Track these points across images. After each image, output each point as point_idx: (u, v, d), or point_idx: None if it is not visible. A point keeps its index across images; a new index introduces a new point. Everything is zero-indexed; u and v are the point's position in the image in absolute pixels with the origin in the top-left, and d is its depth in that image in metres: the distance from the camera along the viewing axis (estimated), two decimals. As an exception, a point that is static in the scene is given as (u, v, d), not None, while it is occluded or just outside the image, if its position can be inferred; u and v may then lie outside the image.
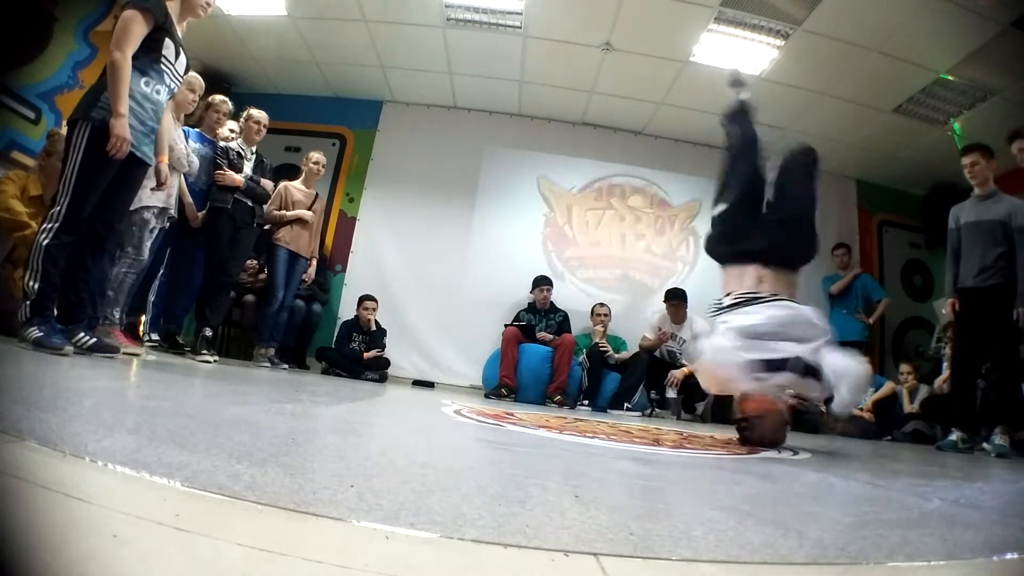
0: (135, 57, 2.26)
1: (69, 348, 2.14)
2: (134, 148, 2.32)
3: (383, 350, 4.90)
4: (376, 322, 4.96)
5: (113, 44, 2.22)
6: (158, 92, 2.42)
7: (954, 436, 3.26)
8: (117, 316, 3.00)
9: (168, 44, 2.39)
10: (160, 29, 2.34)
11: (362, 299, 4.99)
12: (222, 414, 1.33)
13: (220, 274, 3.75)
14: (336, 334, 5.01)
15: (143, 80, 2.34)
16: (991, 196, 3.37)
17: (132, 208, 2.93)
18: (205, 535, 0.52)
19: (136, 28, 2.24)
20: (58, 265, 2.23)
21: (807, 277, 5.76)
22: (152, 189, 2.84)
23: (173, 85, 2.51)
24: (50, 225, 2.21)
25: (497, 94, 5.60)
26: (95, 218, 2.34)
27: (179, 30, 2.49)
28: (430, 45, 4.93)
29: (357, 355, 4.74)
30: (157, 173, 2.74)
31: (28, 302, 2.17)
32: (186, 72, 2.59)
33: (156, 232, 3.24)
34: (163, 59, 2.39)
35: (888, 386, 4.63)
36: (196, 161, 3.46)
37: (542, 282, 5.11)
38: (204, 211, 3.70)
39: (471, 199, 5.82)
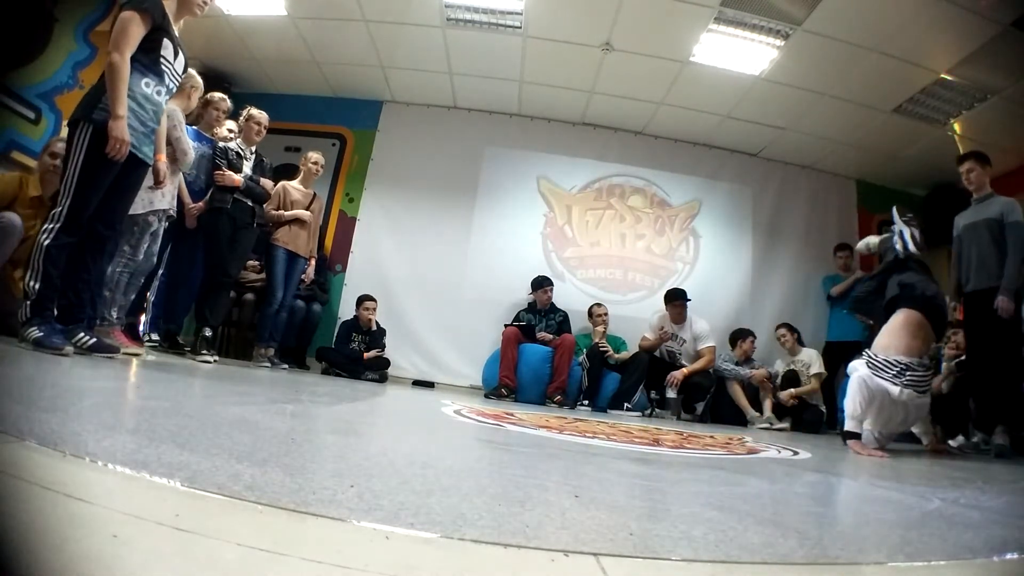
0: (134, 58, 2.25)
1: (69, 348, 2.14)
2: (135, 149, 2.31)
3: (383, 350, 4.90)
4: (376, 322, 4.96)
5: (111, 45, 2.21)
6: (158, 93, 2.42)
7: (976, 438, 3.30)
8: (115, 316, 2.99)
9: (167, 44, 2.37)
10: (158, 29, 2.32)
11: (362, 299, 4.98)
12: (222, 414, 1.33)
13: (220, 274, 3.75)
14: (336, 334, 5.01)
15: (143, 81, 2.33)
16: (987, 198, 3.45)
17: (141, 211, 2.94)
18: (205, 535, 0.52)
19: (134, 29, 2.23)
20: (58, 265, 2.22)
21: (808, 276, 5.81)
22: (149, 188, 2.83)
23: (172, 85, 2.51)
24: (51, 226, 2.21)
25: (497, 94, 5.60)
26: (96, 219, 2.34)
27: (176, 29, 2.48)
28: (430, 45, 4.92)
29: (357, 355, 4.74)
30: (155, 172, 2.73)
31: (28, 302, 2.17)
32: (184, 71, 2.58)
33: (158, 235, 3.23)
34: (162, 59, 2.38)
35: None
36: (193, 153, 3.39)
37: (544, 283, 5.11)
38: (201, 202, 3.69)
39: (471, 199, 5.81)
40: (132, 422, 1.02)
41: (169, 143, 3.12)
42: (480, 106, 5.86)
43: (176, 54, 2.45)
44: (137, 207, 2.90)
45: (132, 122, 2.28)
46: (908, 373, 2.53)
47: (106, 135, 2.18)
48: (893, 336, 2.70)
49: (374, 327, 4.91)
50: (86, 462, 0.68)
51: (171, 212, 3.30)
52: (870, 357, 2.65)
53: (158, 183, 2.78)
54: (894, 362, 2.57)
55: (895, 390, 2.51)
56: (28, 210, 3.06)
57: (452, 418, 2.29)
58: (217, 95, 3.90)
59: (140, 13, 2.25)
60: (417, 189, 5.76)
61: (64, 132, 2.47)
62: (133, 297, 3.21)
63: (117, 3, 4.43)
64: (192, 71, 3.30)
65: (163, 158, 2.73)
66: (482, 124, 5.91)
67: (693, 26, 4.30)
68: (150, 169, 2.61)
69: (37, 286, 2.17)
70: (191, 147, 3.25)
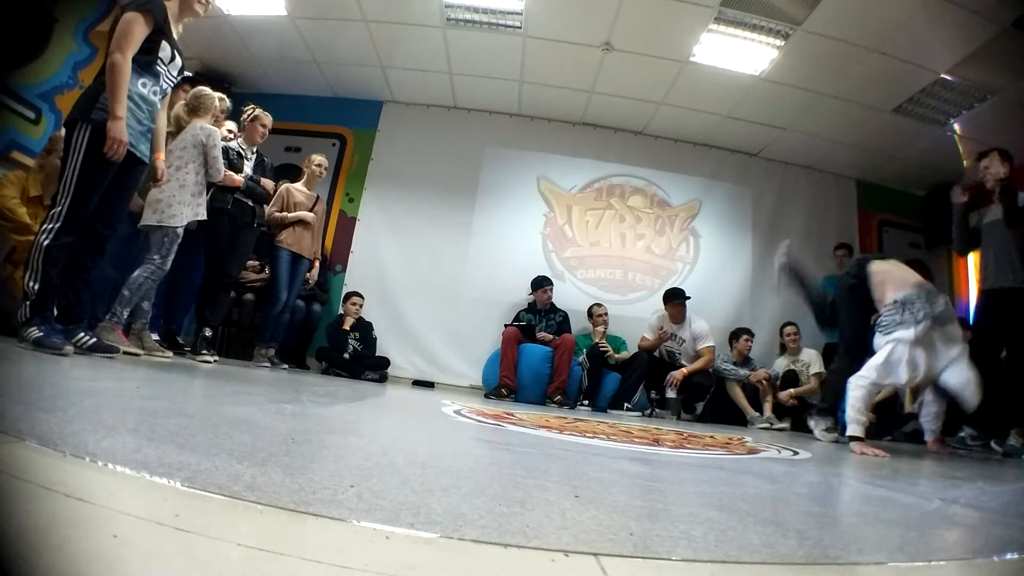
0: (132, 58, 2.28)
1: (69, 348, 2.14)
2: (132, 148, 2.34)
3: (374, 344, 4.96)
4: (361, 317, 4.99)
5: (113, 46, 2.23)
6: (154, 93, 2.45)
7: (964, 432, 3.27)
8: (125, 316, 3.01)
9: (164, 46, 2.41)
10: (158, 31, 2.36)
11: (349, 295, 5.04)
12: (222, 414, 1.33)
13: (220, 274, 3.75)
14: (328, 338, 4.94)
15: (140, 81, 2.36)
16: None
17: (173, 224, 3.02)
18: (205, 535, 0.52)
19: (137, 30, 2.26)
20: (58, 266, 2.23)
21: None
22: (150, 183, 2.86)
23: (167, 86, 2.55)
24: (51, 226, 2.21)
25: (497, 94, 5.60)
26: (96, 219, 2.35)
27: (176, 30, 2.52)
28: (430, 45, 4.93)
29: (345, 336, 4.79)
30: (153, 171, 2.75)
31: (28, 302, 2.18)
32: (180, 74, 2.61)
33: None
34: (159, 60, 2.42)
35: (888, 388, 4.62)
36: (223, 173, 3.44)
37: (543, 283, 5.11)
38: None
39: (471, 199, 5.82)
40: (132, 422, 1.02)
41: (206, 159, 3.21)
42: (480, 106, 5.86)
43: (173, 56, 2.48)
44: (186, 217, 3.07)
45: (129, 121, 2.30)
46: (914, 305, 2.39)
47: (104, 135, 2.19)
48: (885, 286, 2.61)
49: (349, 331, 4.89)
50: (86, 462, 0.68)
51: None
52: (875, 323, 2.54)
53: (155, 180, 2.80)
54: (892, 304, 2.45)
55: (909, 333, 2.35)
56: (29, 210, 3.08)
57: (452, 418, 2.29)
58: (216, 95, 3.89)
59: (143, 14, 2.28)
60: (417, 189, 5.76)
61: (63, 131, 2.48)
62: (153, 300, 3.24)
63: (118, 3, 4.46)
64: (220, 94, 3.40)
65: (162, 156, 2.75)
66: (482, 124, 5.92)
67: (693, 26, 4.31)
68: (155, 170, 2.66)
69: (36, 286, 2.18)
70: (223, 166, 3.33)
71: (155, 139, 2.65)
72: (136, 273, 2.97)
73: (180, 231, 3.10)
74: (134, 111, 2.34)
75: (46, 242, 2.20)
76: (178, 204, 3.04)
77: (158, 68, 2.42)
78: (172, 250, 3.09)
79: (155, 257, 3.01)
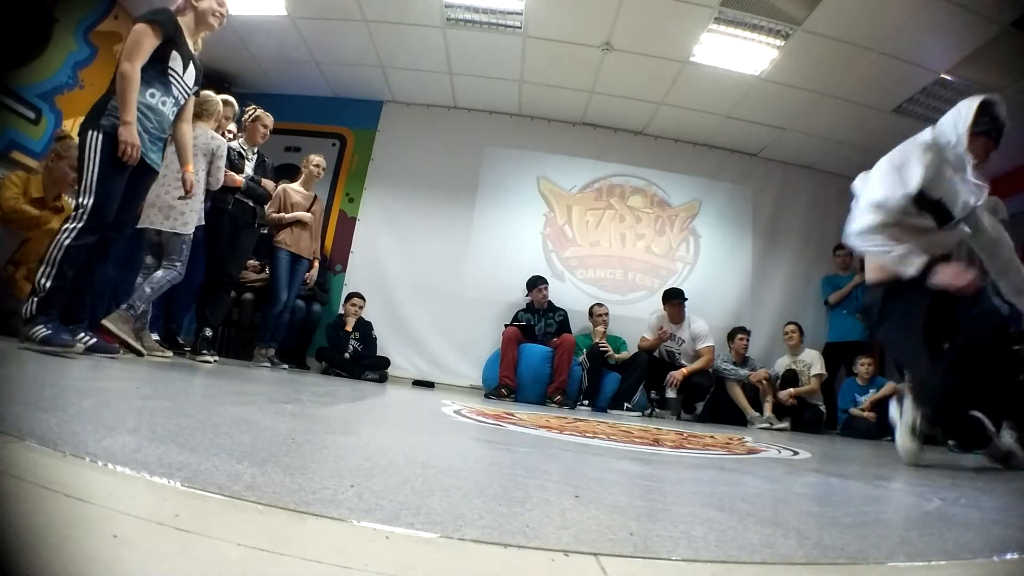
0: (142, 69, 2.33)
1: (79, 345, 2.16)
2: (143, 153, 2.38)
3: (374, 345, 4.96)
4: (360, 317, 5.00)
5: (123, 56, 2.31)
6: (163, 103, 2.49)
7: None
8: (140, 310, 3.02)
9: (175, 57, 2.45)
10: (169, 42, 2.41)
11: (350, 296, 5.05)
12: (222, 414, 1.33)
13: (220, 274, 3.75)
14: (328, 339, 4.94)
15: (148, 91, 2.41)
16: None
17: (187, 232, 3.10)
18: (205, 535, 0.52)
19: (145, 41, 2.33)
20: (75, 266, 2.27)
21: (808, 276, 5.80)
22: (179, 198, 2.93)
23: (180, 96, 2.58)
24: (73, 225, 2.25)
25: (497, 94, 5.60)
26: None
27: (193, 44, 2.57)
28: (430, 45, 4.93)
29: (346, 337, 4.78)
30: (184, 182, 2.79)
31: (35, 299, 2.17)
32: (196, 84, 2.64)
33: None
34: (170, 71, 2.46)
35: (889, 386, 4.62)
36: (223, 183, 3.48)
37: (538, 282, 5.11)
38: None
39: (471, 199, 5.82)
40: (132, 422, 1.02)
41: (209, 167, 3.29)
42: (480, 106, 5.86)
43: (186, 67, 2.53)
44: (194, 223, 3.15)
45: (137, 127, 2.34)
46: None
47: (115, 140, 2.25)
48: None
49: (351, 329, 4.90)
50: (86, 462, 0.68)
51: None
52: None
53: (188, 193, 2.83)
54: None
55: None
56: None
57: (452, 418, 2.29)
58: (220, 98, 3.89)
59: (151, 26, 2.35)
60: (417, 189, 5.76)
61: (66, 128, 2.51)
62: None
63: (119, 3, 4.46)
64: (225, 97, 3.45)
65: (191, 169, 2.80)
66: (482, 124, 5.91)
67: (693, 26, 4.30)
68: (188, 181, 2.76)
69: (49, 284, 2.19)
70: (223, 176, 3.39)
71: (182, 152, 2.72)
72: (160, 274, 3.04)
73: (194, 236, 3.18)
74: (141, 119, 2.38)
75: (67, 241, 2.22)
76: (189, 211, 3.11)
77: (169, 78, 2.47)
78: (188, 254, 3.17)
79: (177, 263, 3.10)
